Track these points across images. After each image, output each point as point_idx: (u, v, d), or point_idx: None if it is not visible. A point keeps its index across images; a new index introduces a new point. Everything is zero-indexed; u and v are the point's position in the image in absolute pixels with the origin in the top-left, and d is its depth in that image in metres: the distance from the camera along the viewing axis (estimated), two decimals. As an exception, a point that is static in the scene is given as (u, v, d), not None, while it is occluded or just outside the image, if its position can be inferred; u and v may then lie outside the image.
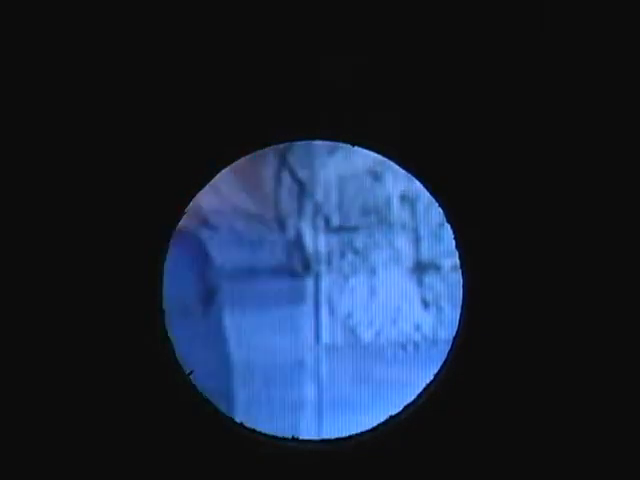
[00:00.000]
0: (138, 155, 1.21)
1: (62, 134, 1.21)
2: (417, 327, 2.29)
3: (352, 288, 2.37)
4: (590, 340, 1.23)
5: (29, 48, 1.21)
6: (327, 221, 2.40)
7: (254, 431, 1.25)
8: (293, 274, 2.38)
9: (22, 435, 1.22)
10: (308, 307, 2.36)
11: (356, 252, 2.38)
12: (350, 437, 1.25)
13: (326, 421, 2.24)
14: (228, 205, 2.32)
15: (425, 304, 2.30)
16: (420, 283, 2.32)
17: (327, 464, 1.23)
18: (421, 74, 1.22)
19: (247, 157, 1.25)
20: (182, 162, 1.21)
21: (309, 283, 2.38)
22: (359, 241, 2.38)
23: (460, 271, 1.25)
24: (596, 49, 1.22)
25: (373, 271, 2.36)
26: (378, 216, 2.38)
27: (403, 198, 2.37)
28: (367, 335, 2.31)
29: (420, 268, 2.33)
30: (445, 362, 1.25)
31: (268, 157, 2.32)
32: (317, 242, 2.39)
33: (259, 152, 1.26)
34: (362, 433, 1.24)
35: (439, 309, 2.29)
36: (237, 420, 1.25)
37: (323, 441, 1.26)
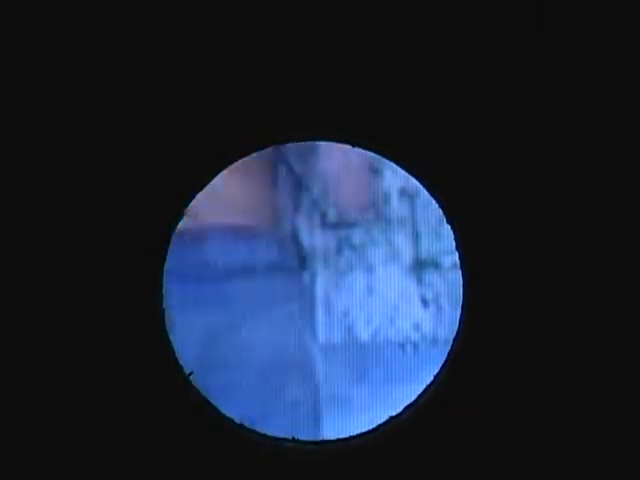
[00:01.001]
0: (138, 156, 1.22)
1: (63, 135, 1.22)
2: (416, 326, 2.27)
3: (349, 285, 2.35)
4: (590, 340, 1.24)
5: (29, 48, 1.22)
6: (324, 217, 2.38)
7: (254, 431, 1.25)
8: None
9: (22, 435, 1.23)
10: (304, 305, 2.34)
11: (353, 249, 2.36)
12: (350, 437, 1.25)
13: (323, 421, 2.22)
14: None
15: (424, 302, 2.28)
16: (419, 281, 2.30)
17: (327, 464, 1.24)
18: (421, 74, 1.23)
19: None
20: (182, 163, 1.22)
21: (305, 280, 2.36)
22: (356, 237, 2.36)
23: (460, 271, 1.26)
24: (596, 49, 1.23)
25: (371, 268, 2.34)
26: (376, 212, 2.36)
27: (402, 193, 2.35)
28: (364, 334, 2.29)
29: (419, 265, 2.31)
30: (445, 362, 1.26)
31: (264, 151, 2.30)
32: (313, 238, 2.37)
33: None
34: (362, 433, 1.25)
35: (438, 308, 2.27)
36: (237, 420, 1.26)
37: (323, 441, 1.26)
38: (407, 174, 1.26)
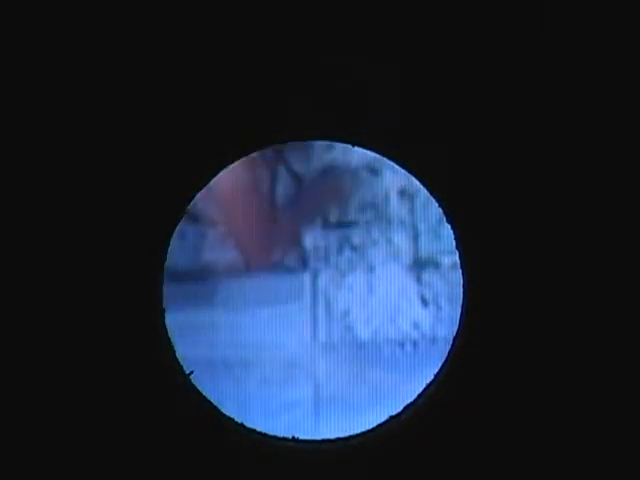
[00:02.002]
0: (139, 156, 1.22)
1: (63, 135, 1.22)
2: (416, 325, 2.28)
3: (349, 285, 2.35)
4: (590, 339, 1.24)
5: (29, 49, 1.22)
6: (325, 217, 2.38)
7: (254, 431, 1.25)
8: (290, 270, 2.36)
9: (22, 434, 1.23)
10: (304, 304, 2.34)
11: (354, 248, 2.37)
12: (350, 437, 1.25)
13: (323, 420, 2.22)
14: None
15: (424, 302, 2.29)
16: (419, 280, 2.30)
17: (327, 464, 1.24)
18: (421, 74, 1.23)
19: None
20: (182, 163, 1.22)
21: (306, 279, 2.36)
22: (357, 237, 2.37)
23: (460, 270, 1.26)
24: (596, 49, 1.23)
25: (371, 268, 2.34)
26: (376, 212, 2.36)
27: (402, 193, 2.35)
28: (364, 333, 2.30)
29: (419, 265, 2.31)
30: (445, 362, 1.26)
31: (265, 151, 2.31)
32: (314, 238, 2.37)
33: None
34: (362, 433, 1.25)
35: (438, 307, 2.28)
36: (237, 420, 1.26)
37: (323, 441, 1.26)
38: (407, 174, 1.26)
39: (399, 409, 1.26)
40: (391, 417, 1.26)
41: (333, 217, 2.38)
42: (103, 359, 1.23)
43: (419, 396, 1.26)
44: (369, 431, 1.25)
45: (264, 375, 2.23)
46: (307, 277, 2.36)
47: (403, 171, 1.27)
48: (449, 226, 1.25)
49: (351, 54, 1.22)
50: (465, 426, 1.24)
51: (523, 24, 1.22)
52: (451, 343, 1.26)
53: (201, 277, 2.28)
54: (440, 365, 1.27)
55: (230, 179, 2.28)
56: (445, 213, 1.25)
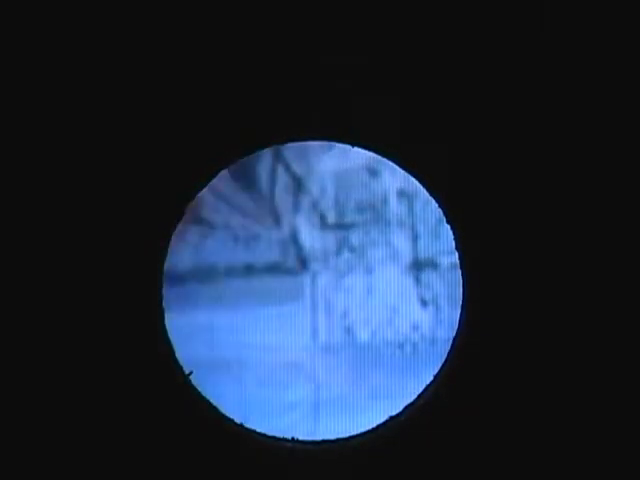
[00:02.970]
0: (139, 156, 1.22)
1: (63, 135, 1.22)
2: (415, 326, 2.27)
3: (348, 286, 2.35)
4: (590, 340, 1.24)
5: (30, 49, 1.22)
6: (323, 218, 2.38)
7: (254, 431, 1.26)
8: (288, 272, 2.36)
9: (22, 434, 1.23)
10: (304, 305, 2.34)
11: (352, 250, 2.36)
12: (350, 437, 1.26)
13: (322, 421, 2.22)
14: (223, 201, 2.32)
15: (423, 303, 2.29)
16: (418, 281, 2.30)
17: (327, 464, 1.24)
18: (420, 74, 1.23)
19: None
20: (182, 162, 1.22)
21: (305, 281, 2.36)
22: (356, 238, 2.36)
23: (460, 271, 1.26)
24: (596, 49, 1.23)
25: (370, 269, 2.34)
26: (375, 213, 2.36)
27: (400, 194, 2.35)
28: (363, 334, 2.30)
29: (418, 266, 2.31)
30: (445, 362, 1.26)
31: (263, 153, 2.30)
32: (313, 239, 2.37)
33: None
34: (362, 433, 1.25)
35: (437, 308, 2.27)
36: (237, 420, 1.26)
37: (323, 441, 1.26)
38: (406, 174, 1.26)
39: (399, 410, 1.26)
40: (391, 417, 1.26)
41: (332, 218, 2.38)
42: (103, 360, 1.23)
43: (419, 397, 1.27)
44: (369, 431, 1.26)
45: (263, 376, 2.23)
46: (306, 278, 2.36)
47: (402, 172, 1.27)
48: (448, 226, 1.25)
49: (351, 54, 1.22)
50: (465, 426, 1.24)
51: (523, 24, 1.22)
52: (450, 343, 1.26)
53: (201, 278, 2.27)
54: (440, 366, 1.27)
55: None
56: (444, 213, 1.25)
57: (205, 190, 1.26)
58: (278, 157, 2.37)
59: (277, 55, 1.22)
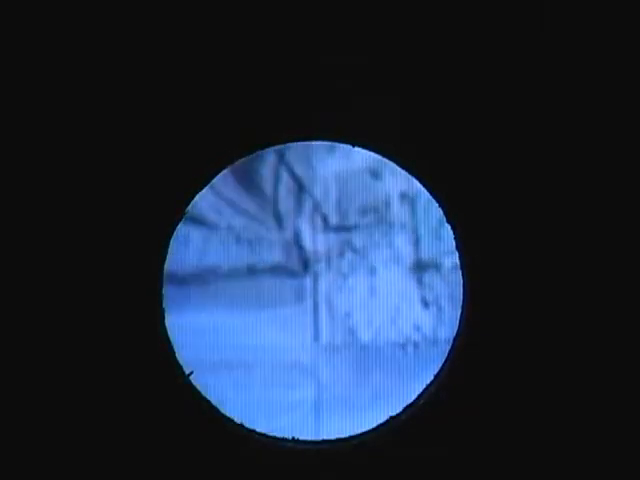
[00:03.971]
0: (139, 156, 1.22)
1: (63, 135, 1.22)
2: (417, 327, 2.28)
3: (351, 288, 2.36)
4: (590, 340, 1.23)
5: (30, 49, 1.22)
6: (325, 220, 2.39)
7: (254, 431, 1.25)
8: (291, 273, 2.37)
9: (22, 434, 1.23)
10: (306, 307, 2.34)
11: (355, 251, 2.37)
12: (350, 437, 1.26)
13: (324, 422, 2.23)
14: (226, 203, 2.32)
15: (425, 304, 2.29)
16: (420, 282, 2.31)
17: (327, 464, 1.24)
18: (421, 74, 1.23)
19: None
20: (183, 163, 1.22)
21: (307, 282, 2.37)
22: (358, 240, 2.37)
23: (460, 271, 1.26)
24: (596, 49, 1.22)
25: (372, 270, 2.35)
26: (377, 215, 2.37)
27: (403, 196, 2.36)
28: (366, 335, 2.30)
29: (420, 267, 2.32)
30: (445, 362, 1.26)
31: (266, 155, 2.31)
32: (315, 241, 2.38)
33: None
34: (362, 433, 1.25)
35: (439, 309, 2.28)
36: (237, 420, 1.26)
37: (323, 441, 1.26)
38: (408, 175, 1.26)
39: (399, 409, 1.26)
40: (391, 417, 1.26)
41: (334, 220, 2.38)
42: (103, 359, 1.23)
43: (419, 397, 1.27)
44: (369, 431, 1.25)
45: (265, 377, 2.24)
46: (309, 280, 2.36)
47: (404, 174, 1.27)
48: (449, 226, 1.25)
49: (351, 54, 1.22)
50: (465, 427, 1.24)
51: (523, 24, 1.22)
52: (451, 343, 1.26)
53: (203, 280, 2.28)
54: (440, 365, 1.27)
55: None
56: (445, 213, 1.25)
57: (208, 191, 1.26)
58: (281, 159, 2.38)
59: (277, 55, 1.22)
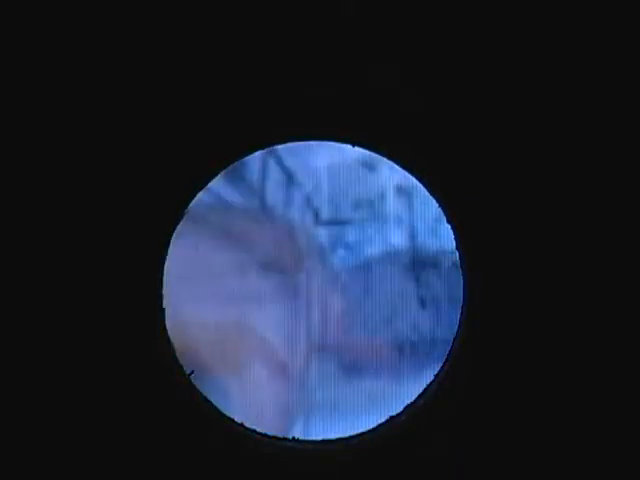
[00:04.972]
0: (139, 156, 1.24)
1: (63, 136, 1.25)
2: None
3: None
4: (590, 340, 1.27)
5: (30, 49, 1.24)
6: (317, 214, 2.37)
7: (254, 431, 1.28)
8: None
9: (22, 434, 1.26)
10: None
11: (348, 247, 2.36)
12: (350, 437, 1.28)
13: (321, 421, 2.21)
14: (214, 198, 2.32)
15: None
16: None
17: (327, 464, 1.27)
18: (419, 73, 1.25)
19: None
20: (182, 162, 1.24)
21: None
22: (351, 236, 2.35)
23: (460, 270, 1.29)
24: (596, 49, 1.25)
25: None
26: (372, 209, 2.35)
27: (399, 190, 2.33)
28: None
29: (417, 265, 2.31)
30: (445, 362, 1.29)
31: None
32: (307, 236, 2.36)
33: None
34: (362, 433, 1.28)
35: (437, 308, 2.26)
36: (237, 420, 1.29)
37: (323, 441, 1.29)
38: (406, 173, 1.29)
39: (399, 409, 1.28)
40: (391, 417, 1.28)
41: (326, 215, 2.36)
42: (104, 359, 1.25)
43: (419, 396, 1.29)
44: (369, 431, 1.28)
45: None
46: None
47: (402, 170, 1.30)
48: (449, 226, 1.28)
49: (351, 55, 1.25)
50: (465, 426, 1.27)
51: (523, 24, 1.25)
52: (451, 343, 1.29)
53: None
54: (440, 366, 1.30)
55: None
56: (445, 213, 1.28)
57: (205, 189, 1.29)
58: (270, 151, 2.36)
59: (277, 55, 1.24)
